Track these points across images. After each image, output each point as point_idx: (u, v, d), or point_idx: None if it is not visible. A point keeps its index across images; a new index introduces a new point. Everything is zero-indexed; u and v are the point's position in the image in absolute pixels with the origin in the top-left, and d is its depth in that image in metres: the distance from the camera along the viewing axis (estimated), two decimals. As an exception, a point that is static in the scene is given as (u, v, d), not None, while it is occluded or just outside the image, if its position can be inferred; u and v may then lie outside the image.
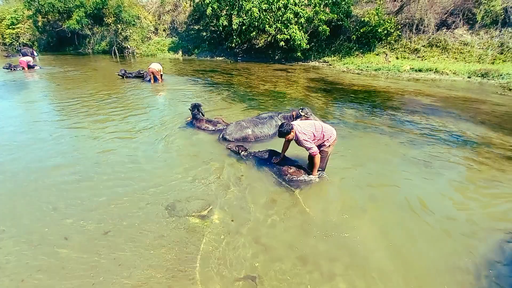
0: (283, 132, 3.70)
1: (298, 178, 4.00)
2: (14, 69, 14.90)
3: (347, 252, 2.81)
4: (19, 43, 28.71)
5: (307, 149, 3.68)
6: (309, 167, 4.07)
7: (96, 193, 3.76)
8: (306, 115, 5.86)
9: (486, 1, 14.98)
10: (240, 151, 4.80)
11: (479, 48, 14.87)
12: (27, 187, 3.88)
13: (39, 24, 26.96)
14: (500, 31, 14.76)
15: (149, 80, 11.41)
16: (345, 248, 2.86)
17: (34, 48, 26.33)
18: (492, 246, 2.90)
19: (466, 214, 3.43)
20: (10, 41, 29.70)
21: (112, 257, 2.71)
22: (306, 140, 3.66)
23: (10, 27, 29.45)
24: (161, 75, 11.57)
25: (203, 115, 6.36)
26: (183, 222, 3.20)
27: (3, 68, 14.99)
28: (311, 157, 3.89)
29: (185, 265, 2.63)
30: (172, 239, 2.94)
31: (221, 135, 5.53)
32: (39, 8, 23.56)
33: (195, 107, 6.37)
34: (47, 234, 3.01)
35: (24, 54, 21.96)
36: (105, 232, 3.04)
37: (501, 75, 12.30)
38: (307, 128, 3.73)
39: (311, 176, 3.94)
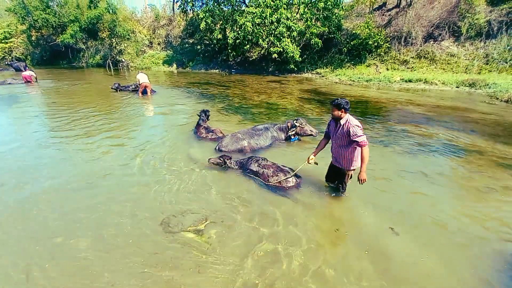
0: (336, 103, 3.31)
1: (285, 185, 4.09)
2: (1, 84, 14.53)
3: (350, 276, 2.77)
4: (12, 57, 28.59)
5: (357, 136, 3.23)
6: (337, 182, 3.79)
7: (89, 210, 3.66)
8: (300, 125, 5.93)
9: (470, 15, 15.66)
10: (225, 161, 4.68)
11: (466, 59, 15.39)
12: (18, 204, 3.76)
13: (33, 38, 27.04)
14: (484, 43, 15.35)
15: (143, 92, 11.36)
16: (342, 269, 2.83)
17: (26, 62, 26.22)
18: (492, 255, 2.90)
19: (462, 222, 3.44)
20: (3, 55, 29.57)
21: (105, 276, 2.62)
22: (359, 127, 3.26)
23: (3, 41, 29.40)
24: (138, 86, 11.56)
25: (204, 121, 6.60)
26: (178, 237, 3.13)
27: None
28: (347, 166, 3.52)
29: (180, 283, 2.55)
30: (168, 256, 2.86)
31: (217, 147, 5.51)
32: (33, 23, 23.68)
33: (203, 112, 6.73)
34: (37, 253, 2.89)
35: (17, 68, 21.82)
36: (97, 250, 2.94)
37: (487, 85, 12.69)
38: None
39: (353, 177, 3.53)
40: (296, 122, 5.98)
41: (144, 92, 11.25)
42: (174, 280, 2.58)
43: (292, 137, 6.06)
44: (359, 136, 3.23)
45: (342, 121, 3.36)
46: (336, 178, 3.85)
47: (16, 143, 6.01)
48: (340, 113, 3.34)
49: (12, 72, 21.44)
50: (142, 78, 11.08)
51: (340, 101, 3.30)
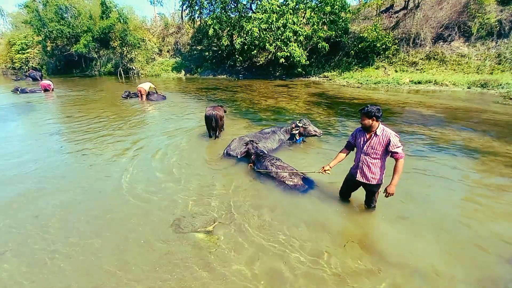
0: (366, 111, 3.05)
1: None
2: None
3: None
4: (28, 67, 29.71)
5: (398, 147, 2.97)
6: (366, 199, 3.56)
7: (103, 211, 3.78)
8: (303, 126, 5.94)
9: (480, 14, 15.41)
10: (248, 145, 5.11)
11: (477, 60, 15.11)
12: (32, 205, 3.92)
13: (48, 48, 28.06)
14: (496, 42, 15.06)
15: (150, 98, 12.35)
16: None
17: (42, 71, 27.19)
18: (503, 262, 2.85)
19: (474, 224, 3.38)
20: (20, 65, 30.80)
21: (118, 275, 2.70)
22: (398, 137, 3.03)
23: (20, 52, 30.66)
24: (149, 93, 12.36)
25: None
26: (189, 238, 3.19)
27: (12, 91, 15.21)
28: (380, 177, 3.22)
29: (191, 282, 2.61)
30: (178, 256, 2.93)
31: (225, 151, 5.59)
32: (48, 34, 24.61)
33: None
34: (53, 253, 3.01)
35: (34, 78, 22.68)
36: (111, 250, 3.04)
37: (500, 85, 12.42)
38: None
39: (390, 188, 3.14)
40: (299, 122, 6.00)
41: (141, 97, 12.30)
42: (184, 279, 2.64)
43: (297, 137, 6.07)
44: (399, 146, 2.97)
45: (378, 131, 3.06)
46: (350, 193, 3.70)
47: (36, 152, 6.26)
48: (371, 121, 3.04)
49: (29, 81, 22.28)
50: (141, 84, 12.29)
51: (371, 108, 3.00)
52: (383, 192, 3.22)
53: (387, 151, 3.06)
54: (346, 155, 3.56)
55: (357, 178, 3.36)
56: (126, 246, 3.10)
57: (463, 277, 2.61)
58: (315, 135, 6.03)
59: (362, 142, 3.23)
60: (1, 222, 3.55)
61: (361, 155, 3.26)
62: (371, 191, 3.39)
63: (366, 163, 3.23)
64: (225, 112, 7.21)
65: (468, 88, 13.15)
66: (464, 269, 2.70)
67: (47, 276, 2.71)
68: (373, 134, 3.10)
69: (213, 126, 6.46)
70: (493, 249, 2.95)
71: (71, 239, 3.23)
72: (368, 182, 3.28)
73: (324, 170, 3.54)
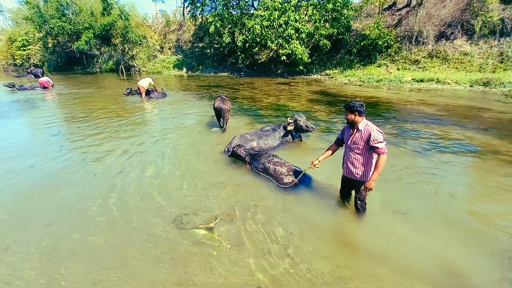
0: (349, 106, 3.09)
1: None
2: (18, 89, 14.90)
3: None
4: (30, 64, 29.69)
5: (379, 142, 2.95)
6: (354, 198, 3.48)
7: (104, 207, 3.80)
8: (295, 122, 5.92)
9: (483, 12, 15.32)
10: (235, 149, 5.07)
11: (479, 58, 15.04)
12: (34, 203, 3.94)
13: (49, 45, 28.02)
14: (498, 41, 14.99)
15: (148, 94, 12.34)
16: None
17: (43, 68, 27.16)
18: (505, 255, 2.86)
19: (477, 221, 3.39)
20: (21, 62, 30.77)
21: (120, 271, 2.72)
22: (380, 132, 3.01)
23: (21, 48, 30.61)
24: (150, 90, 12.29)
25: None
26: (190, 234, 3.21)
27: (5, 85, 14.90)
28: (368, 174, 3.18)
29: (192, 278, 2.63)
30: (180, 252, 2.95)
31: (226, 148, 5.60)
32: (50, 30, 24.56)
33: None
34: (55, 249, 3.03)
35: (35, 74, 22.70)
36: (113, 246, 3.06)
37: (503, 84, 12.38)
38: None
39: (370, 182, 3.13)
40: (290, 119, 6.00)
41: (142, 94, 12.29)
42: (187, 274, 2.66)
43: (294, 133, 6.10)
44: (380, 142, 2.95)
45: (360, 126, 3.08)
46: (350, 192, 3.63)
47: (38, 151, 6.29)
48: (353, 116, 3.07)
49: (31, 78, 22.30)
50: (140, 81, 12.13)
51: (353, 103, 3.05)
52: (363, 188, 3.25)
53: (369, 147, 3.06)
54: (334, 151, 3.60)
55: (343, 174, 3.44)
56: (129, 242, 3.12)
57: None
58: (307, 131, 5.91)
59: (347, 137, 3.29)
60: (4, 217, 3.59)
61: (346, 150, 3.32)
62: (356, 187, 3.36)
63: (350, 159, 3.27)
64: None
65: (471, 86, 13.11)
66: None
67: (50, 273, 2.74)
68: (356, 129, 3.14)
69: (221, 117, 6.91)
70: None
71: (74, 235, 3.25)
72: (354, 178, 3.30)
73: (314, 165, 3.58)
